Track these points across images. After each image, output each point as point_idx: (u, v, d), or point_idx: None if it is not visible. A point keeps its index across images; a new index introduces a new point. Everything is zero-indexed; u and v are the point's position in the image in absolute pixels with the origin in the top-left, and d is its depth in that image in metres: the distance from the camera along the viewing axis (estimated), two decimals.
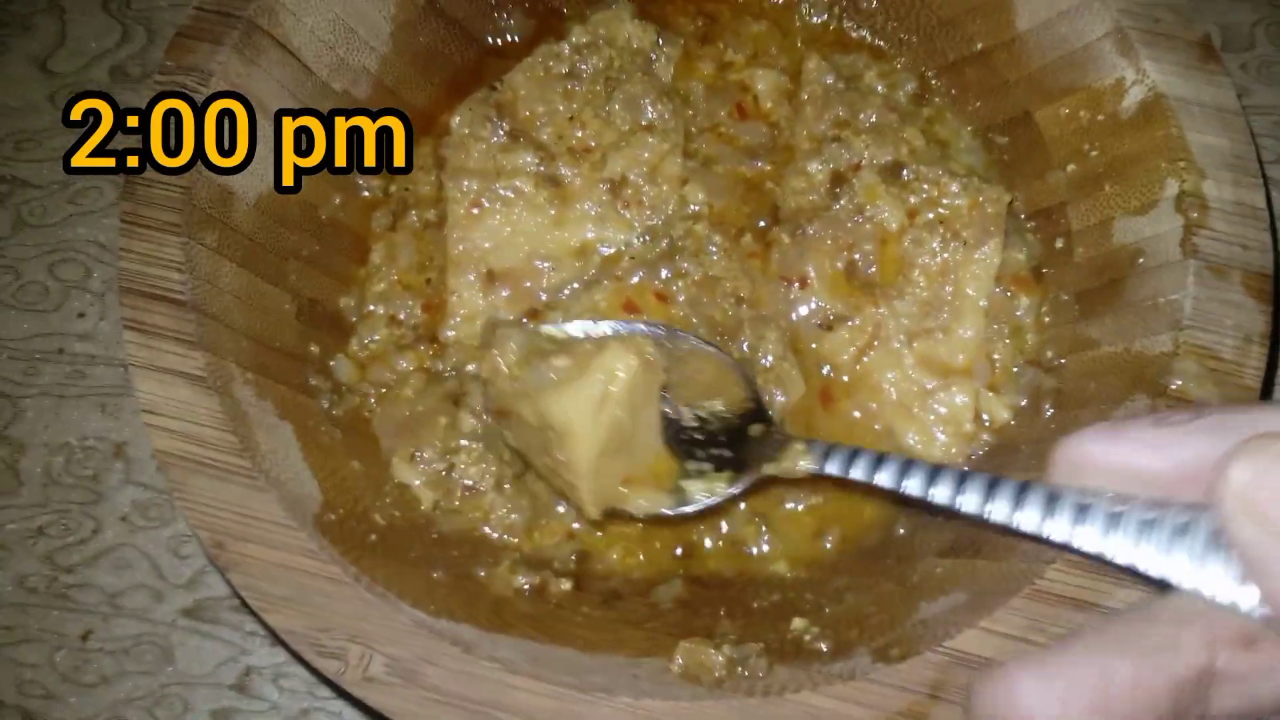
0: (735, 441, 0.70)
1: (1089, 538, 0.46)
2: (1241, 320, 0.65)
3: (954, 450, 0.75)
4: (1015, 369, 0.77)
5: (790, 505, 0.75)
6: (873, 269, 0.78)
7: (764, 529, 0.74)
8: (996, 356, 0.78)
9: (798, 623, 0.64)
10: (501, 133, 0.79)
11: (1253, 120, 0.82)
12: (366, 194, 0.82)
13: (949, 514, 0.54)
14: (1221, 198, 0.68)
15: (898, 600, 0.64)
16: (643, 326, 0.74)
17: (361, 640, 0.58)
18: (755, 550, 0.74)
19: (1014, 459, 0.72)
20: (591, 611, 0.68)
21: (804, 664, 0.60)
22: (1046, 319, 0.77)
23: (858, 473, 0.60)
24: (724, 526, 0.75)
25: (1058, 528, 0.47)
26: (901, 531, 0.73)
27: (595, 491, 0.67)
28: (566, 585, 0.69)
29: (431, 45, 0.85)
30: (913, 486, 0.56)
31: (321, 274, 0.77)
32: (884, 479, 0.58)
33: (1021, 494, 0.50)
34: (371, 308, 0.78)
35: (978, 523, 0.52)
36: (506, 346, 0.68)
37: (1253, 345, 0.65)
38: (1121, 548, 0.45)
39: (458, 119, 0.80)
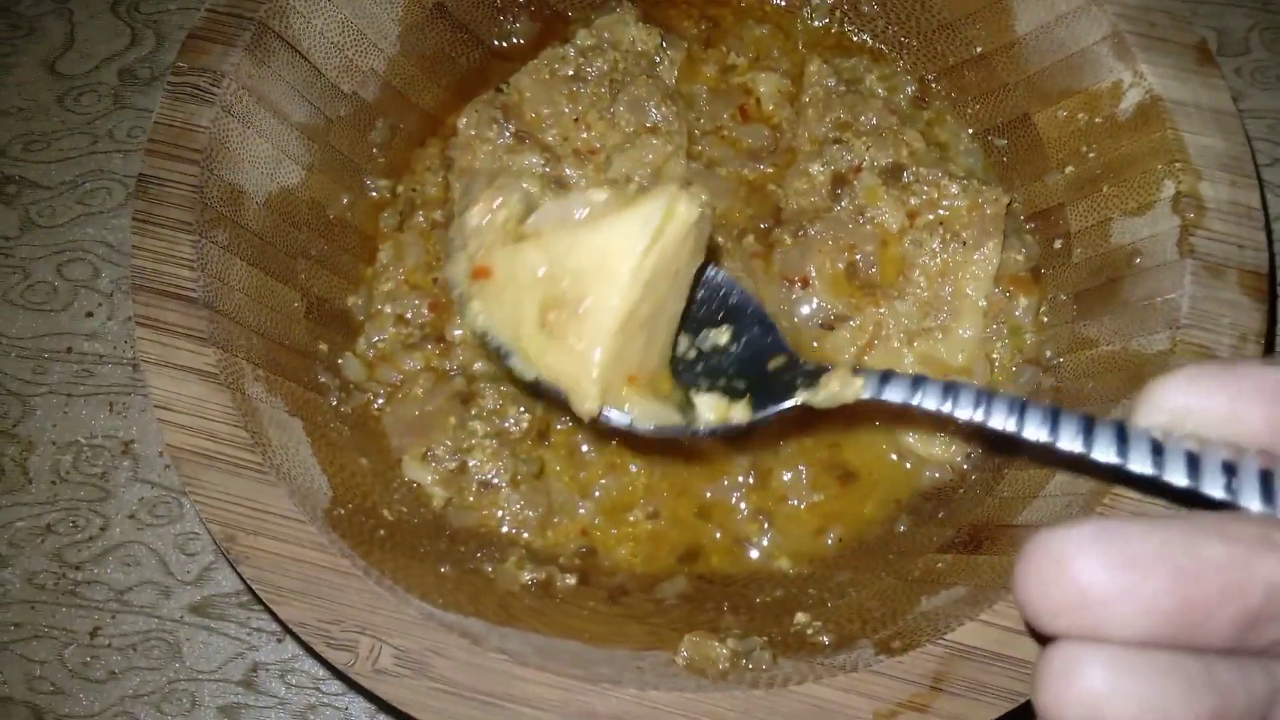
0: (746, 376, 0.63)
1: (1176, 476, 0.41)
2: (1238, 319, 0.66)
3: (953, 449, 0.76)
4: (1014, 368, 0.78)
5: (793, 503, 0.76)
6: (873, 269, 0.79)
7: (766, 526, 0.75)
8: (995, 356, 0.79)
9: (800, 617, 0.65)
10: (508, 134, 0.80)
11: (1247, 124, 0.83)
12: (374, 194, 0.83)
13: (1028, 449, 0.50)
14: (1218, 198, 0.69)
15: (899, 594, 0.65)
16: None
17: (371, 632, 0.59)
18: (758, 548, 0.75)
19: (1014, 457, 0.73)
20: (597, 606, 0.69)
21: (807, 656, 0.61)
22: (1045, 319, 0.79)
23: (928, 401, 0.54)
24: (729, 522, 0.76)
25: (1138, 462, 0.43)
26: (902, 528, 0.74)
27: (605, 373, 0.57)
28: (572, 580, 0.70)
29: (439, 48, 0.86)
30: (994, 419, 0.51)
31: (330, 273, 0.78)
32: (957, 409, 0.52)
33: (1110, 432, 0.45)
34: (379, 307, 0.79)
35: (1061, 457, 0.48)
36: (510, 195, 0.57)
37: (1249, 343, 0.66)
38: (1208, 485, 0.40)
39: (464, 120, 0.81)
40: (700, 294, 0.65)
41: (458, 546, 0.70)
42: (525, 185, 0.58)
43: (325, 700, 0.80)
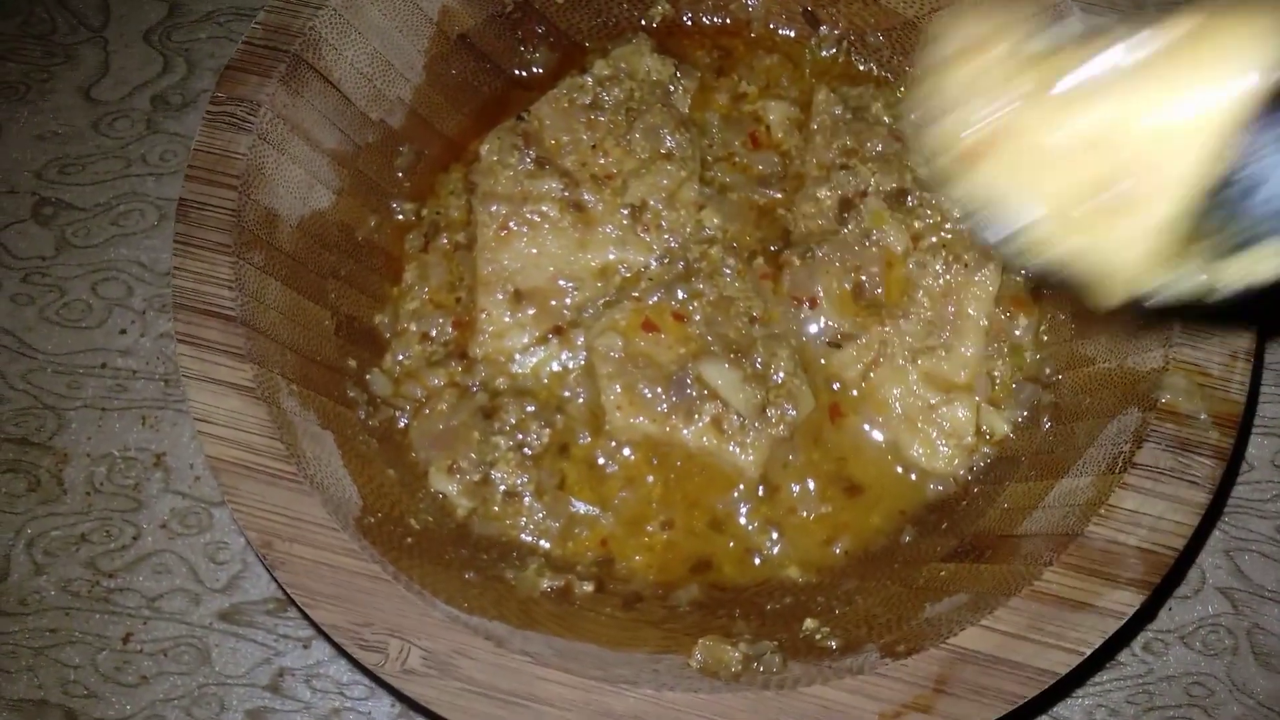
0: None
1: None
2: (1228, 338, 0.69)
3: (956, 461, 0.79)
4: (1014, 385, 0.81)
5: (802, 514, 0.79)
6: (879, 290, 0.82)
7: (776, 537, 0.78)
8: (996, 373, 0.81)
9: (809, 623, 0.68)
10: (528, 160, 0.84)
11: None
12: (400, 217, 0.86)
13: None
14: None
15: (904, 601, 0.68)
16: None
17: (400, 635, 0.62)
18: (768, 557, 0.78)
19: (1014, 470, 0.75)
20: (613, 612, 0.72)
21: (816, 660, 0.64)
22: (1044, 337, 0.81)
23: None
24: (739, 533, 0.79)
25: None
26: (907, 538, 0.76)
27: (1150, 262, 0.48)
28: (589, 588, 0.73)
29: (462, 77, 0.90)
30: None
31: (358, 292, 0.81)
32: None
33: None
34: (405, 325, 0.83)
35: None
36: (1020, 33, 0.47)
37: (1238, 361, 0.69)
38: None
39: (487, 147, 0.85)
40: None
41: (480, 554, 0.73)
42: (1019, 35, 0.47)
43: (349, 705, 0.83)
